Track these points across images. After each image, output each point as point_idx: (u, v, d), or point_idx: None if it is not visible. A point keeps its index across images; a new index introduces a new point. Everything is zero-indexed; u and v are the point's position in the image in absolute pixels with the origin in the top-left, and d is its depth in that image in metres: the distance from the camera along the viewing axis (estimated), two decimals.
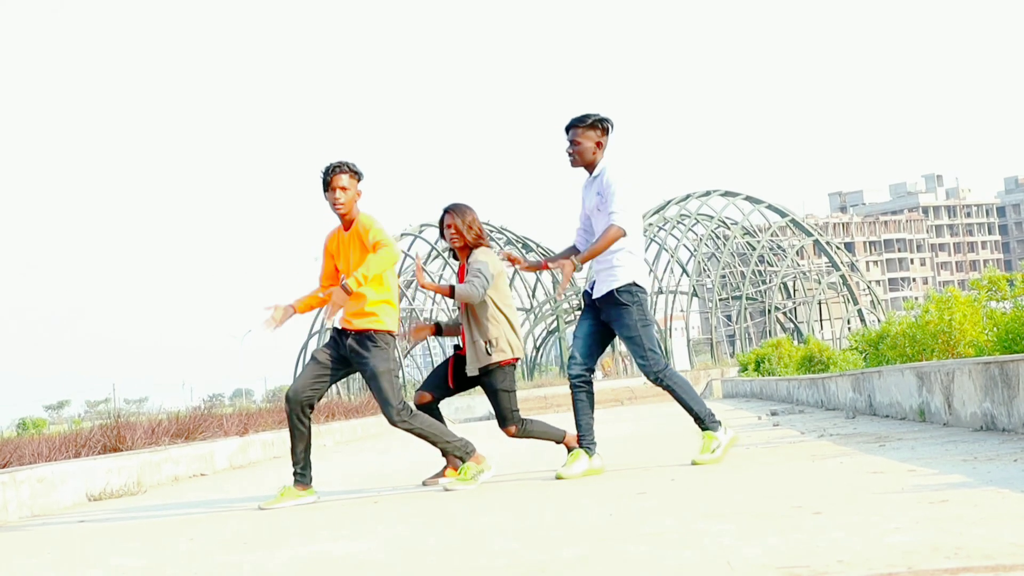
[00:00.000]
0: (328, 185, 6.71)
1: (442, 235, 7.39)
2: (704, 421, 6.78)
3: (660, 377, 6.74)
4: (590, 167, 6.85)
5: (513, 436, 7.15)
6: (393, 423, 6.75)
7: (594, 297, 6.81)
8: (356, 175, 6.76)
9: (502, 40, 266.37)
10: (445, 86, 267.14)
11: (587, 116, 6.83)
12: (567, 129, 6.87)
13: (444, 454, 7.18)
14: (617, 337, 6.88)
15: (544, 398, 38.55)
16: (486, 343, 7.06)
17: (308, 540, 4.77)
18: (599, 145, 6.84)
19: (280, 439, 14.94)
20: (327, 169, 6.74)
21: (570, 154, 6.85)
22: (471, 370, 7.08)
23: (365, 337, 6.69)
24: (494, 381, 7.10)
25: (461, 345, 7.27)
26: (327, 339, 6.91)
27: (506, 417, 7.12)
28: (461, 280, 7.25)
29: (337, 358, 6.77)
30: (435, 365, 7.25)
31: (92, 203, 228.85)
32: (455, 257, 7.43)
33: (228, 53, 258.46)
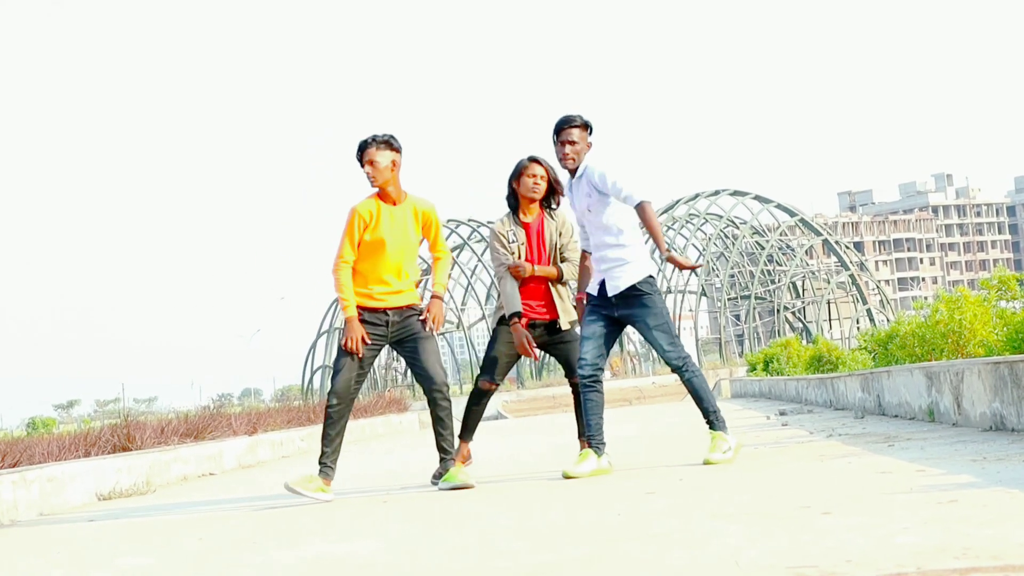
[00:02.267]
0: (363, 159, 6.77)
1: (514, 182, 7.30)
2: (715, 421, 6.78)
3: (686, 365, 6.79)
4: (575, 169, 6.83)
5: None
6: (441, 385, 6.81)
7: (611, 295, 6.79)
8: (390, 146, 6.77)
9: (508, 38, 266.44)
10: (446, 84, 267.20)
11: (577, 116, 6.80)
12: (560, 130, 6.78)
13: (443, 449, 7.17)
14: (636, 332, 6.92)
15: (552, 398, 38.51)
16: (572, 304, 7.36)
17: (317, 540, 4.78)
18: (588, 146, 6.84)
19: (289, 439, 14.96)
20: (360, 145, 6.78)
21: (568, 156, 6.78)
22: (565, 324, 7.29)
23: (414, 310, 6.86)
24: (572, 334, 7.33)
25: (520, 313, 7.22)
26: (344, 337, 6.80)
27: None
28: (531, 234, 7.30)
29: (373, 343, 6.81)
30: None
31: (102, 204, 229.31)
32: (514, 210, 7.37)
33: (233, 55, 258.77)
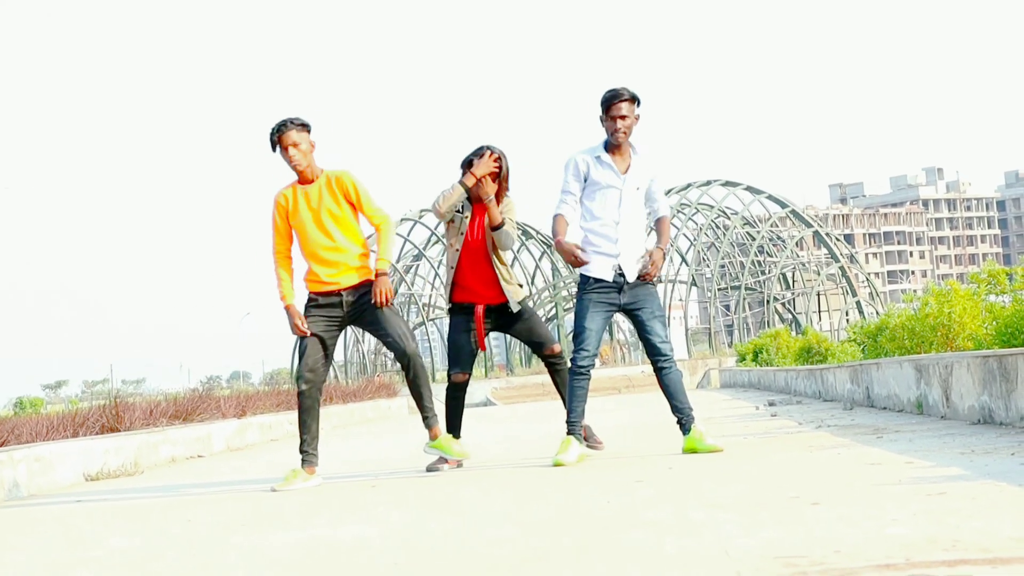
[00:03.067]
0: (279, 144, 6.70)
1: (467, 164, 7.28)
2: (688, 422, 6.81)
3: (672, 358, 6.87)
4: (619, 145, 6.74)
5: (558, 354, 7.32)
6: (413, 352, 6.81)
7: (632, 280, 6.78)
8: (305, 127, 6.75)
9: (502, 26, 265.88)
10: (441, 71, 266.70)
11: (624, 90, 6.68)
12: (610, 105, 6.65)
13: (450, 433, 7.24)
14: (630, 320, 6.91)
15: (542, 385, 38.48)
16: (517, 283, 7.36)
17: (307, 524, 4.78)
18: (637, 119, 6.76)
19: (277, 422, 14.95)
20: (273, 130, 6.71)
21: (619, 130, 6.66)
22: (515, 307, 7.26)
23: (365, 286, 6.79)
24: (526, 311, 7.36)
25: (472, 305, 7.27)
26: (309, 315, 6.77)
27: (549, 337, 7.42)
28: (481, 220, 7.27)
29: (330, 325, 6.79)
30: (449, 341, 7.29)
31: (93, 184, 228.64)
32: (470, 200, 7.34)
33: (223, 36, 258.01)
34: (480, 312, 7.26)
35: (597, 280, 6.78)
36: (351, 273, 6.79)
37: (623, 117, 6.65)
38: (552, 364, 7.40)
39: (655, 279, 6.84)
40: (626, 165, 6.77)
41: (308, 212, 6.74)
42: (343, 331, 6.94)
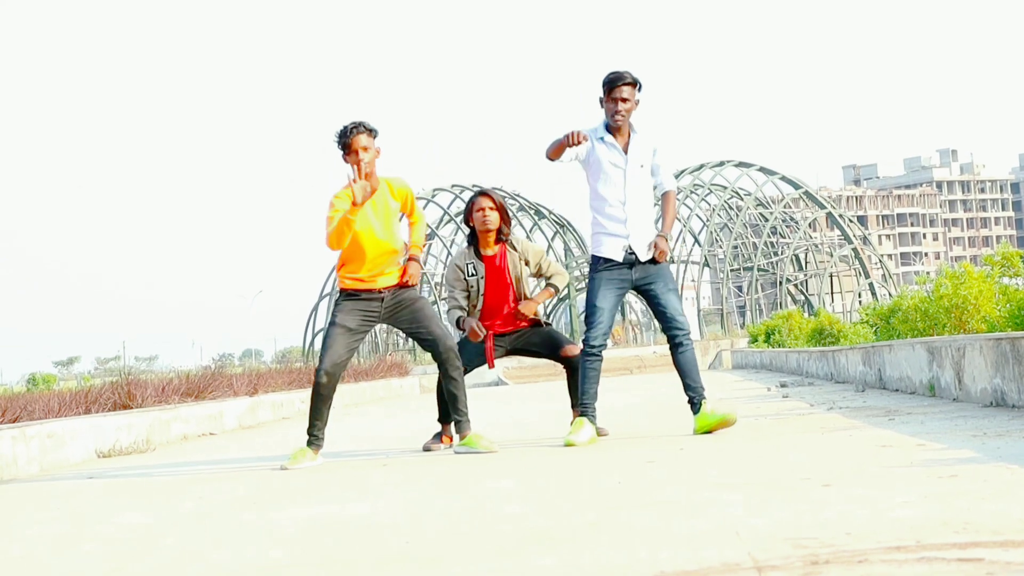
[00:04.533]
0: (349, 148, 6.67)
1: (468, 219, 7.61)
2: (698, 401, 6.80)
3: (688, 336, 6.88)
4: (620, 127, 6.78)
5: (575, 356, 7.39)
6: (452, 351, 6.84)
7: (644, 259, 6.79)
8: (373, 133, 6.76)
9: (512, 7, 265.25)
10: (454, 52, 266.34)
11: (627, 73, 6.72)
12: (612, 88, 6.69)
13: (443, 420, 7.35)
14: (643, 299, 6.93)
15: (553, 365, 38.44)
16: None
17: (317, 501, 4.79)
18: (637, 104, 6.81)
19: (289, 400, 14.99)
20: (345, 131, 6.69)
21: (619, 112, 6.71)
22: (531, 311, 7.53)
23: (406, 287, 6.88)
24: (542, 330, 7.61)
25: (484, 332, 7.49)
26: (345, 307, 6.79)
27: (562, 339, 7.57)
28: (493, 269, 7.54)
29: (365, 321, 6.80)
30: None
31: (105, 161, 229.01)
32: (471, 243, 7.62)
33: (229, 21, 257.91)
34: (490, 345, 7.51)
35: (608, 260, 6.79)
36: (393, 274, 6.87)
37: (624, 100, 6.71)
38: (569, 364, 7.44)
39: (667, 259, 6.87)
40: (625, 144, 6.82)
41: (371, 214, 6.73)
42: (372, 328, 6.97)
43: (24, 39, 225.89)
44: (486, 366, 7.66)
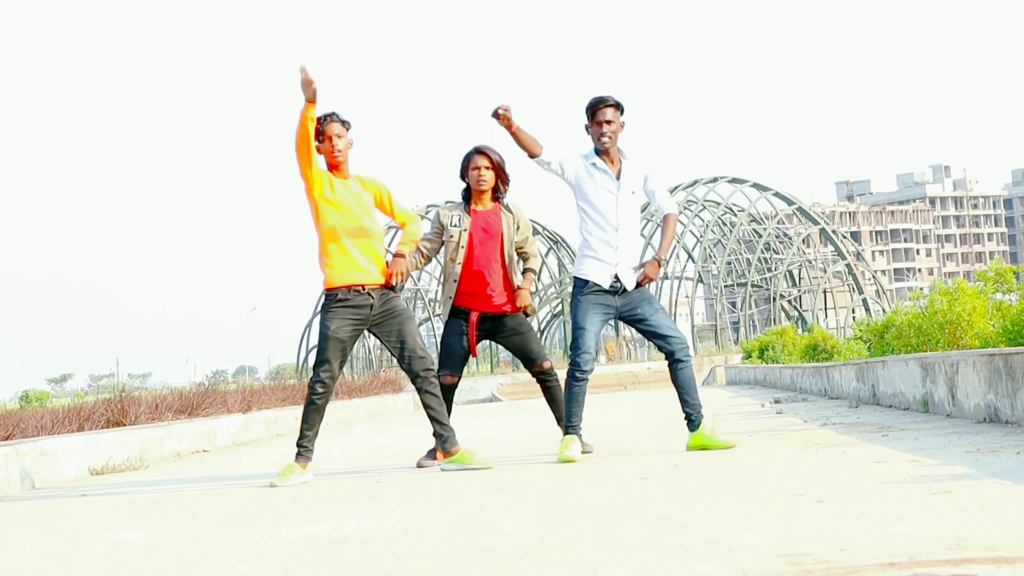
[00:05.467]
0: (323, 134, 6.70)
1: (464, 175, 7.44)
2: (696, 418, 6.81)
3: (686, 352, 6.87)
4: (607, 150, 6.81)
5: (548, 370, 7.39)
6: (431, 370, 6.76)
7: (630, 288, 6.81)
8: (345, 124, 6.79)
9: (508, 25, 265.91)
10: (450, 70, 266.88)
11: (610, 97, 6.78)
12: (595, 111, 6.75)
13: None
14: (631, 325, 6.92)
15: None
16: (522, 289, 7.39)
17: (311, 518, 4.77)
18: (622, 126, 6.85)
19: (283, 417, 14.95)
20: (320, 119, 6.70)
21: (604, 135, 6.75)
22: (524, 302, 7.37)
23: (391, 290, 6.80)
24: (523, 324, 7.43)
25: (468, 312, 7.34)
26: (335, 315, 6.70)
27: (541, 353, 7.48)
28: (484, 225, 7.39)
29: (356, 328, 6.75)
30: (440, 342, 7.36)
31: (101, 177, 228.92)
32: (465, 199, 7.46)
33: (230, 30, 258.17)
34: (475, 318, 7.33)
35: (593, 284, 6.81)
36: (381, 269, 6.78)
37: (608, 122, 6.76)
38: (543, 380, 7.43)
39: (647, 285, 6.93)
40: (618, 170, 6.84)
41: (348, 197, 6.72)
42: (360, 334, 6.89)
43: (13, 56, 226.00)
44: (481, 378, 7.64)
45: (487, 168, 7.38)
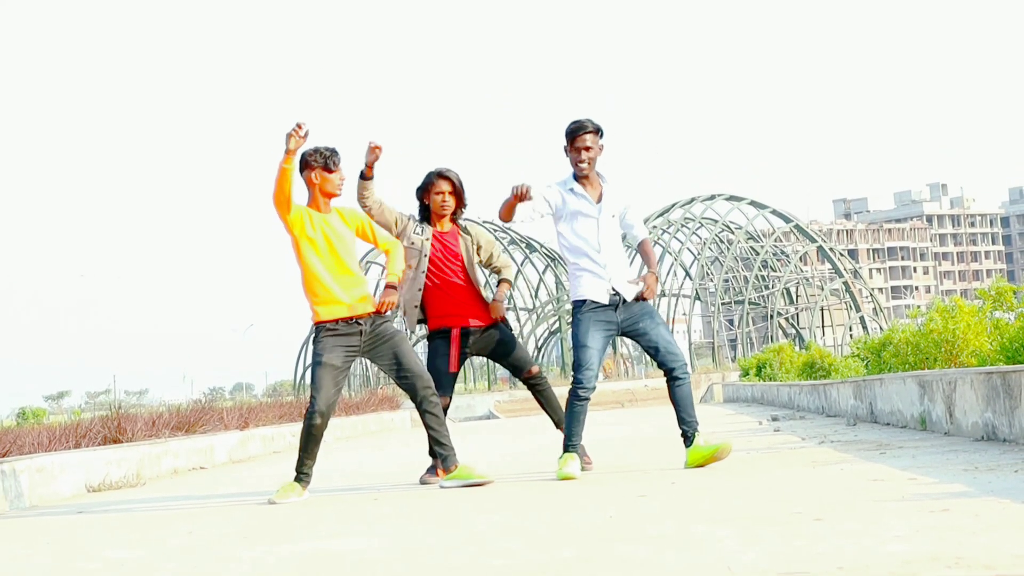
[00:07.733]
0: (333, 169, 6.77)
1: (423, 196, 7.47)
2: (692, 435, 6.81)
3: (685, 368, 6.87)
4: (587, 175, 6.83)
5: (537, 375, 7.47)
6: (431, 391, 6.77)
7: (630, 299, 6.82)
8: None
9: (502, 38, 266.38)
10: (439, 83, 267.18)
11: (588, 121, 6.81)
12: (574, 137, 6.77)
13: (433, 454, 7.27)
14: (633, 338, 6.91)
15: None
16: (497, 300, 7.45)
17: (308, 536, 4.77)
18: (601, 150, 6.88)
19: (280, 434, 14.94)
20: (333, 151, 6.77)
21: (583, 161, 6.78)
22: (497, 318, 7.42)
23: (380, 316, 6.81)
24: (504, 334, 7.45)
25: (448, 328, 7.39)
26: (327, 344, 6.72)
27: (527, 359, 7.52)
28: (445, 245, 7.42)
29: (348, 356, 6.75)
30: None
31: (98, 194, 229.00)
32: (425, 220, 7.49)
33: (222, 46, 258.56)
34: (455, 333, 7.37)
35: (592, 301, 6.81)
36: (368, 301, 6.81)
37: (587, 148, 6.78)
38: (533, 385, 7.48)
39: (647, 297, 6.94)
40: (598, 194, 6.88)
41: (329, 233, 6.75)
42: (353, 361, 6.91)
43: (4, 68, 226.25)
44: (462, 393, 7.66)
45: (450, 193, 7.44)
